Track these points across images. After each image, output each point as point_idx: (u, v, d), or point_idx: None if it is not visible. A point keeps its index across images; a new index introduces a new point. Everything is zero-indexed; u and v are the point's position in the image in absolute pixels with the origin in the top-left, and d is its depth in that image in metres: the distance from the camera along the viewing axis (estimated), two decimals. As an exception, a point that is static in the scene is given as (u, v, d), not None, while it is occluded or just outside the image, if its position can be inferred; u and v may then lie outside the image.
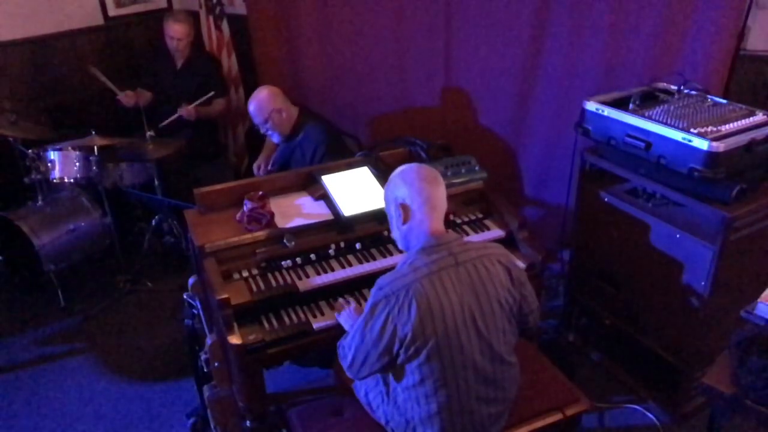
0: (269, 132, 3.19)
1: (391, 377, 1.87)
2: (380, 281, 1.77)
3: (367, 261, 2.35)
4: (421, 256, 1.77)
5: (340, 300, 2.20)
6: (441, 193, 1.84)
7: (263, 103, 3.11)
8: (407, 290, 1.70)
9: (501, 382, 1.85)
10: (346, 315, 2.05)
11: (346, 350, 1.83)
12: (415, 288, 1.70)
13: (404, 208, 1.83)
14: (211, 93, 3.87)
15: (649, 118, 2.34)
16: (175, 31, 3.93)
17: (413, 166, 1.89)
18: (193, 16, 4.27)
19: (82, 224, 3.60)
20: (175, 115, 3.80)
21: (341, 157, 3.03)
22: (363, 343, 1.76)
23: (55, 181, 3.48)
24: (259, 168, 3.52)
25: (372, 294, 1.77)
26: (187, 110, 3.86)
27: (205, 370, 2.45)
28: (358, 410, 2.06)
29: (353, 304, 2.09)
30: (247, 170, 4.46)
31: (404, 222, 1.84)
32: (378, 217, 2.43)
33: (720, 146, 2.10)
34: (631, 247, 2.56)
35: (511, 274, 1.84)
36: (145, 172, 3.71)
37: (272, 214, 2.38)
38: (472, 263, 1.78)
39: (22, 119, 3.63)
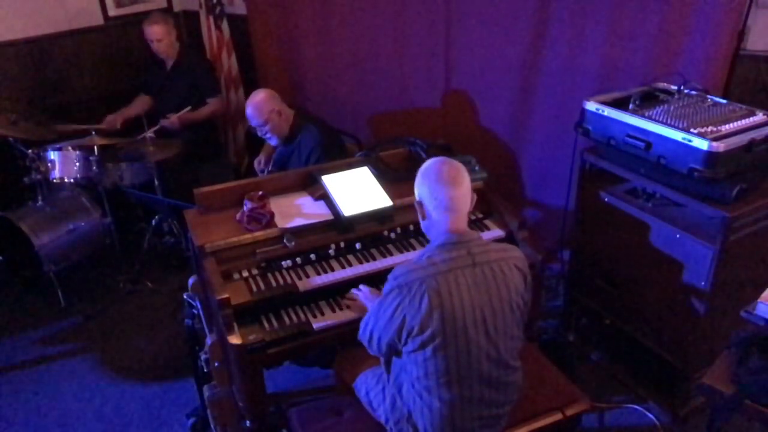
0: (267, 135, 3.18)
1: (397, 367, 1.89)
2: (396, 271, 1.78)
3: (367, 261, 2.35)
4: (439, 252, 1.77)
5: (353, 291, 2.22)
6: (461, 194, 1.80)
7: (262, 104, 3.10)
8: (420, 283, 1.70)
9: (504, 386, 1.85)
10: (363, 297, 2.16)
11: (365, 328, 1.87)
12: (429, 283, 1.70)
13: (421, 207, 1.85)
14: (188, 108, 3.86)
15: (649, 118, 2.34)
16: (153, 33, 3.90)
17: (436, 163, 1.84)
18: (193, 16, 4.27)
19: (82, 224, 3.59)
20: (157, 126, 3.78)
21: (338, 158, 3.03)
22: (376, 326, 1.80)
23: (55, 181, 3.48)
24: (260, 162, 3.51)
25: (387, 281, 1.79)
26: (170, 121, 3.86)
27: (205, 370, 2.45)
28: (358, 410, 2.07)
29: (366, 289, 2.16)
30: (247, 170, 4.46)
31: (422, 219, 1.87)
32: (378, 217, 2.43)
33: (720, 146, 2.10)
34: (631, 247, 2.56)
35: (526, 280, 1.85)
36: (145, 172, 3.70)
37: (272, 214, 2.38)
38: (490, 266, 1.77)
39: (22, 119, 3.63)
